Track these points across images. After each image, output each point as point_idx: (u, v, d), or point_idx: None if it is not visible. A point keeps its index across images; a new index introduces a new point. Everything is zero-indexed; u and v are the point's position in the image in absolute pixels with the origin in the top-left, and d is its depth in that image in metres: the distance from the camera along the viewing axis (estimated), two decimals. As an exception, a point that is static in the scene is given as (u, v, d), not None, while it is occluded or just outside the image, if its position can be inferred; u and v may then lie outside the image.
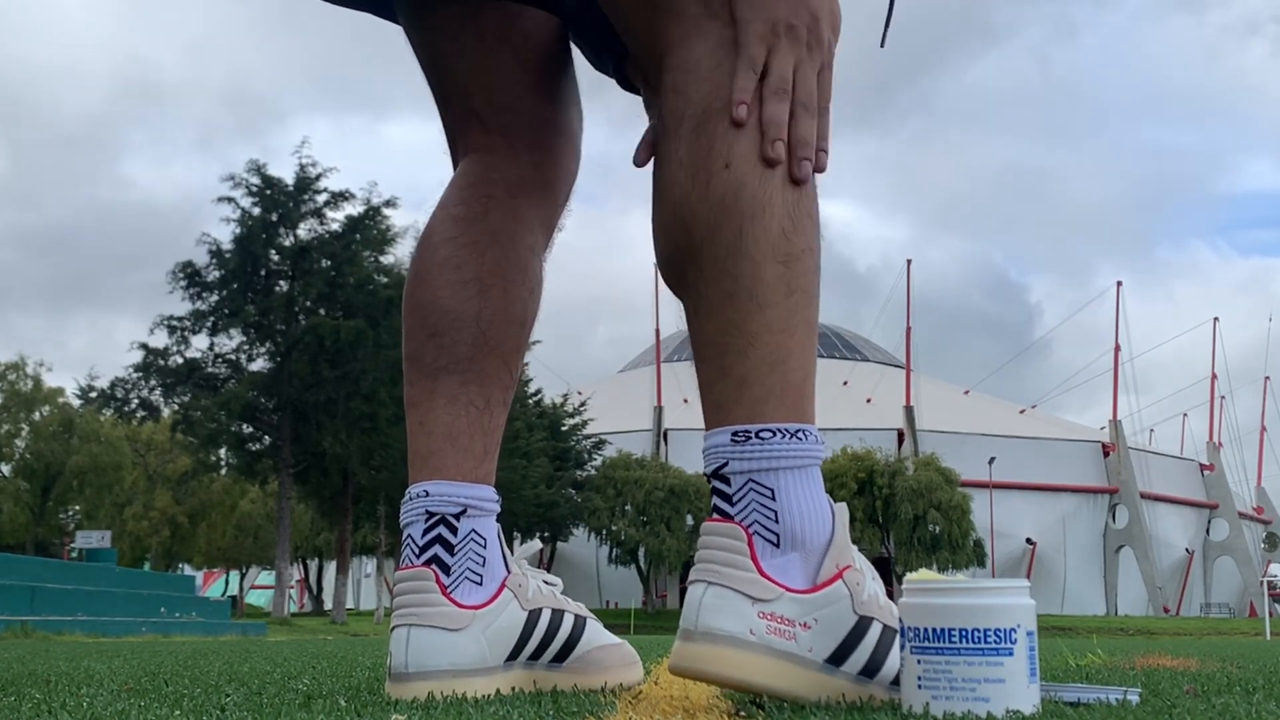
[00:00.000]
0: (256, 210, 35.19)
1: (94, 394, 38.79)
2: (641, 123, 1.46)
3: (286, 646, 6.77)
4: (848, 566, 1.24)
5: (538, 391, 44.78)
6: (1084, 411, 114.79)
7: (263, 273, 35.34)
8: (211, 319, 35.03)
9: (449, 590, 1.44)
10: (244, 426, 35.40)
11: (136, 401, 36.27)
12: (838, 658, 1.21)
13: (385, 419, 32.93)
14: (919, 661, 1.10)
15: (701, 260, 1.27)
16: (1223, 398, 74.86)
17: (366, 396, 33.06)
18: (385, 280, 34.67)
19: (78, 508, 48.12)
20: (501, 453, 1.57)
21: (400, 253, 36.06)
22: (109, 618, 14.97)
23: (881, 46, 1.42)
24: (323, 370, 33.28)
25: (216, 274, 34.93)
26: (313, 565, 58.03)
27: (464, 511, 1.47)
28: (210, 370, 35.64)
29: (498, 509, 1.52)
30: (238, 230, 34.90)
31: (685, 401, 56.73)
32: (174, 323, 34.93)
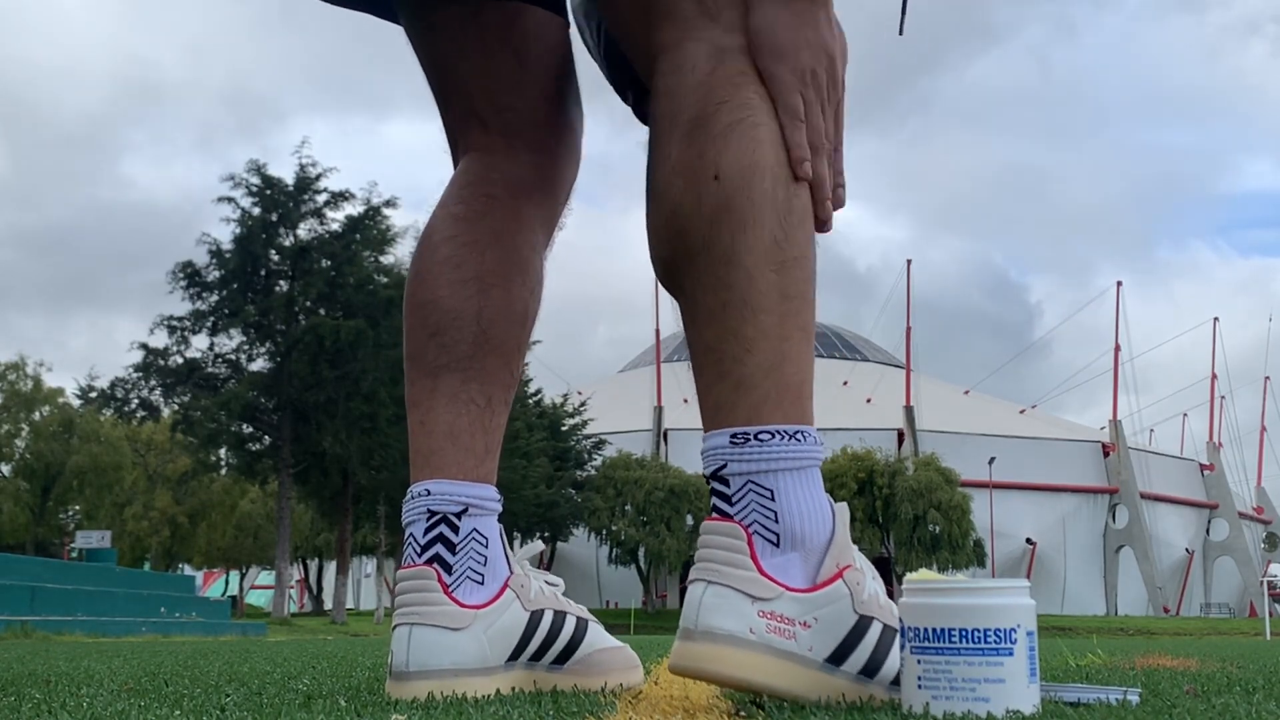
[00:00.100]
0: (256, 210, 35.20)
1: (94, 394, 38.82)
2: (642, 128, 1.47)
3: (286, 646, 6.77)
4: (848, 566, 1.24)
5: (538, 391, 44.79)
6: (1084, 411, 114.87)
7: (263, 273, 35.35)
8: (211, 319, 35.03)
9: (451, 589, 1.44)
10: (244, 426, 35.41)
11: (136, 401, 36.29)
12: (838, 657, 1.21)
13: (385, 419, 32.93)
14: (919, 661, 1.10)
15: (696, 268, 1.28)
16: (1223, 398, 74.96)
17: (366, 396, 33.06)
18: (385, 280, 34.68)
19: (78, 508, 48.12)
20: (502, 453, 1.57)
21: (400, 253, 36.13)
22: (109, 618, 14.97)
23: (900, 34, 1.43)
24: (323, 370, 33.28)
25: (216, 274, 34.94)
26: (313, 565, 58.03)
27: (465, 510, 1.47)
28: (210, 370, 35.66)
29: (499, 508, 1.51)
30: (238, 230, 34.92)
31: (685, 401, 56.71)
32: (174, 323, 34.95)
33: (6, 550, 40.75)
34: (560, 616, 1.53)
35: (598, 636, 1.57)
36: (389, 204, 36.21)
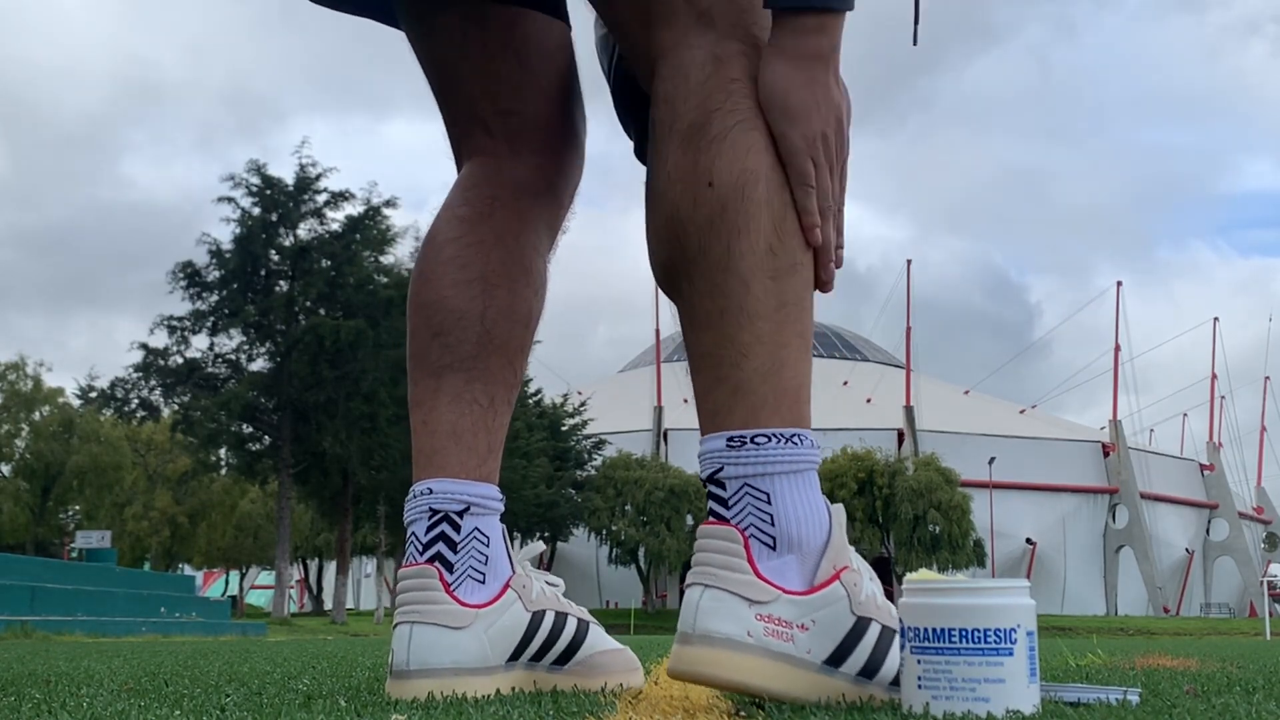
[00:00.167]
0: (256, 210, 35.20)
1: (94, 394, 38.83)
2: None
3: (286, 646, 6.77)
4: (845, 568, 1.24)
5: (538, 391, 44.80)
6: (1084, 411, 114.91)
7: (263, 273, 35.35)
8: (211, 319, 35.03)
9: (452, 588, 1.44)
10: (244, 426, 35.42)
11: (136, 401, 36.30)
12: (836, 659, 1.21)
13: (385, 419, 32.94)
14: (919, 661, 1.10)
15: (693, 273, 1.28)
16: (1223, 398, 74.97)
17: (366, 396, 33.06)
18: (385, 280, 34.69)
19: (78, 508, 48.12)
20: (502, 453, 1.57)
21: (400, 253, 36.14)
22: (109, 618, 14.97)
23: (914, 44, 1.43)
24: (323, 370, 33.28)
25: (216, 274, 34.94)
26: (313, 565, 58.04)
27: (467, 509, 1.47)
28: (210, 370, 35.66)
29: (501, 508, 1.52)
30: (238, 230, 34.92)
31: (685, 401, 56.66)
32: (174, 323, 34.95)
33: (6, 550, 40.75)
34: (561, 618, 1.53)
35: (598, 638, 1.57)
36: (389, 204, 36.23)
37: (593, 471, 45.96)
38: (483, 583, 1.46)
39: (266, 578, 59.43)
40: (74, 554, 30.54)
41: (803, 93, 1.28)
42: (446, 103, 1.61)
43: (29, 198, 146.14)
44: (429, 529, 1.46)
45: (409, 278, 1.60)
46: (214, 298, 35.06)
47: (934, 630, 1.09)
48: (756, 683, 1.20)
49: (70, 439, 46.50)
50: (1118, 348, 66.28)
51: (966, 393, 72.20)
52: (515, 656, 1.48)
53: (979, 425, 61.25)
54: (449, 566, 1.45)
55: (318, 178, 35.76)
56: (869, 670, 1.22)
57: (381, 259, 35.80)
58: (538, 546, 1.65)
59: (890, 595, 1.25)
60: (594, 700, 1.32)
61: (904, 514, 44.54)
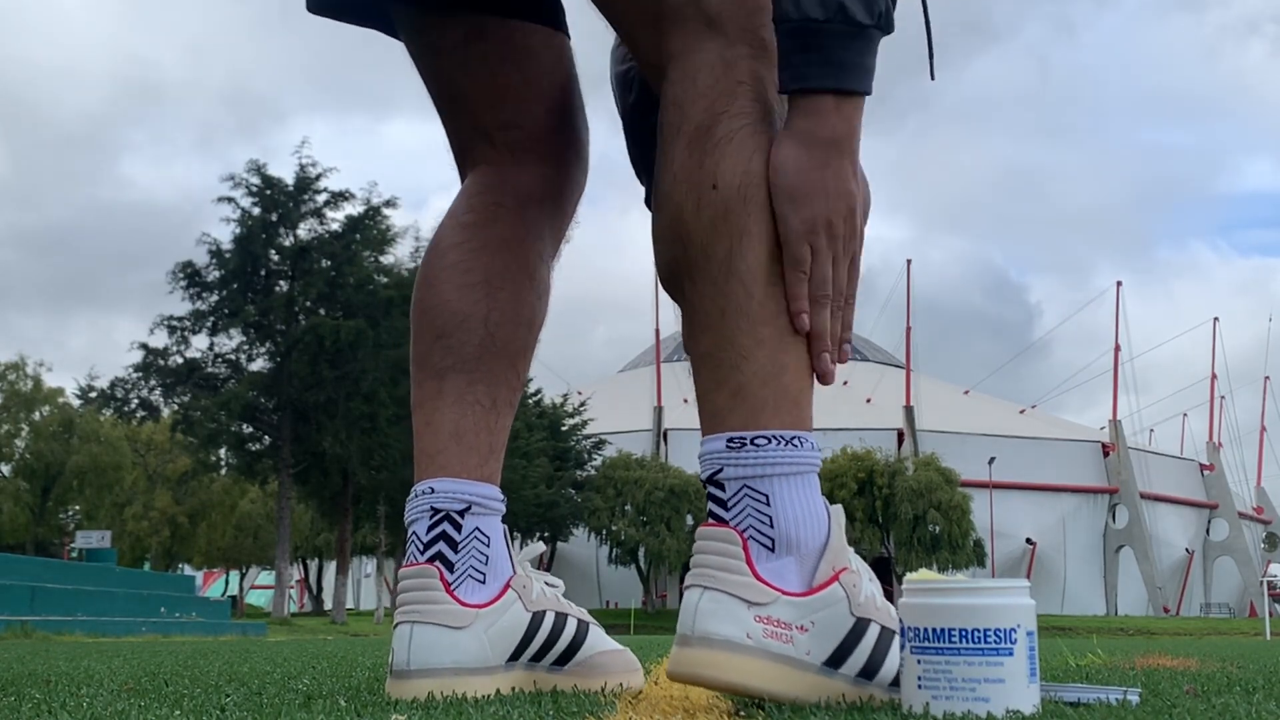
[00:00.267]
0: (256, 210, 35.18)
1: (94, 394, 38.81)
2: None
3: (286, 646, 6.77)
4: (844, 569, 1.24)
5: (538, 391, 44.79)
6: (1084, 411, 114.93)
7: (263, 273, 35.34)
8: (211, 319, 35.02)
9: (453, 588, 1.44)
10: (244, 426, 35.40)
11: (136, 401, 36.28)
12: (836, 660, 1.22)
13: (385, 419, 32.93)
14: (919, 661, 1.10)
15: (696, 276, 1.28)
16: (1223, 398, 74.97)
17: (366, 396, 33.06)
18: (385, 280, 34.67)
19: (78, 508, 48.12)
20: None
21: (400, 253, 36.13)
22: (109, 618, 14.97)
23: (932, 79, 1.42)
24: (323, 370, 33.28)
25: (216, 274, 34.92)
26: (313, 565, 58.04)
27: (468, 508, 1.47)
28: (210, 370, 35.65)
29: (503, 509, 1.52)
30: (238, 230, 34.90)
31: (685, 401, 56.68)
32: (174, 323, 34.93)
33: (6, 550, 40.75)
34: (561, 618, 1.53)
35: (598, 639, 1.57)
36: (389, 204, 36.20)
37: (593, 471, 45.96)
38: (483, 583, 1.47)
39: (266, 578, 59.43)
40: (74, 554, 30.54)
41: (811, 175, 1.25)
42: (449, 114, 1.62)
43: (29, 198, 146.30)
44: (430, 528, 1.47)
45: (409, 278, 1.61)
46: (214, 298, 35.04)
47: (934, 630, 1.09)
48: (756, 684, 1.20)
49: (70, 439, 46.49)
50: (1118, 348, 66.34)
51: (966, 393, 72.20)
52: (515, 657, 1.48)
53: (979, 425, 61.25)
54: (450, 566, 1.45)
55: (318, 178, 35.75)
56: (868, 671, 1.22)
57: (381, 259, 35.79)
58: (538, 547, 1.65)
59: (890, 595, 1.25)
60: (594, 700, 1.32)
61: (904, 514, 44.54)
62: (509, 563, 1.51)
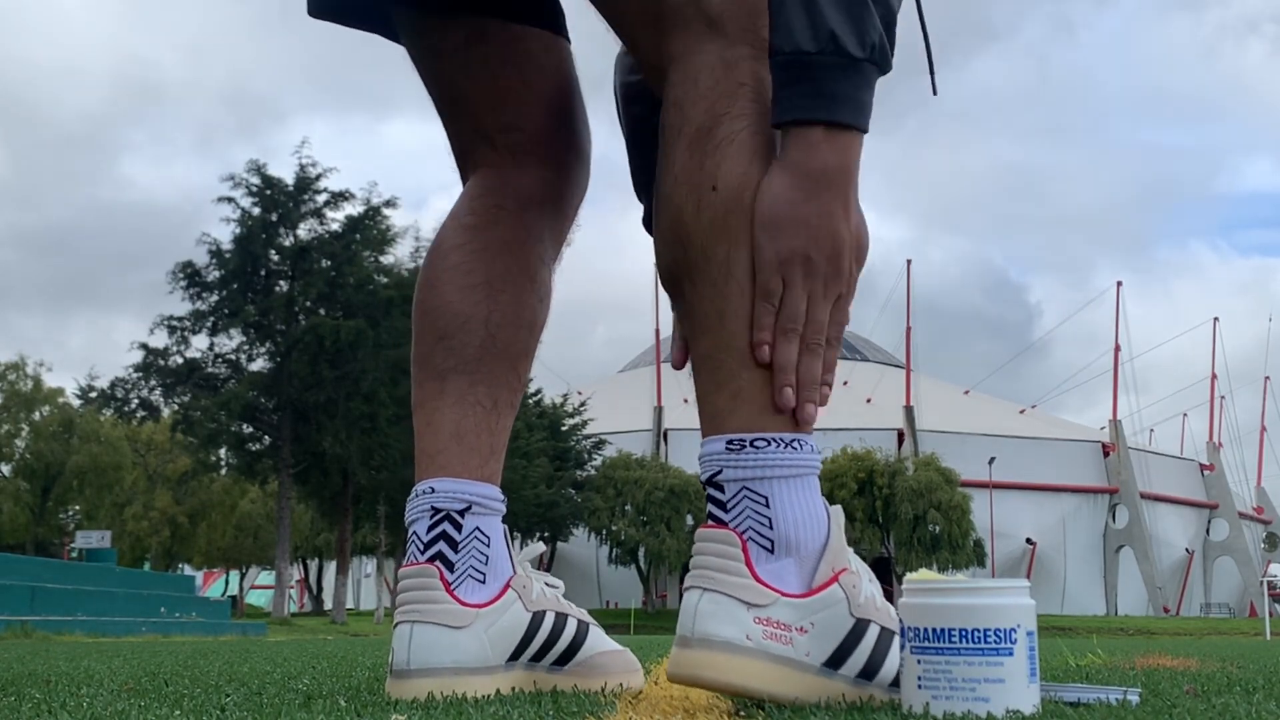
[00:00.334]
0: (256, 210, 35.18)
1: (94, 394, 38.80)
2: None
3: (286, 646, 6.77)
4: (843, 570, 1.24)
5: (538, 391, 44.79)
6: (1084, 411, 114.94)
7: (263, 273, 35.34)
8: (211, 319, 35.02)
9: (453, 587, 1.45)
10: (244, 426, 35.40)
11: (136, 401, 36.28)
12: (836, 661, 1.22)
13: (385, 419, 32.93)
14: (919, 661, 1.10)
15: (696, 277, 1.28)
16: (1223, 398, 74.98)
17: (366, 396, 33.06)
18: (385, 280, 34.67)
19: (78, 508, 48.12)
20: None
21: (400, 253, 36.12)
22: (109, 618, 14.97)
23: (934, 94, 1.42)
24: (323, 370, 33.28)
25: (216, 274, 34.92)
26: (313, 565, 58.04)
27: (469, 508, 1.48)
28: (210, 370, 35.64)
29: (503, 509, 1.52)
30: (238, 230, 34.90)
31: (685, 401, 56.68)
32: (174, 323, 34.93)
33: (6, 550, 40.75)
34: (561, 619, 1.53)
35: (598, 640, 1.58)
36: (389, 204, 36.20)
37: (593, 471, 45.96)
38: (483, 582, 1.47)
39: (266, 578, 59.43)
40: (74, 554, 30.55)
41: (794, 208, 1.23)
42: (450, 118, 1.62)
43: (29, 198, 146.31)
44: (430, 528, 1.47)
45: (409, 278, 1.62)
46: (214, 298, 35.04)
47: (934, 630, 1.09)
48: (756, 686, 1.21)
49: (70, 439, 46.49)
50: (1118, 348, 66.34)
51: (966, 393, 72.21)
52: (515, 656, 1.48)
53: (979, 425, 61.25)
54: (450, 566, 1.46)
55: (318, 178, 35.75)
56: (868, 672, 1.22)
57: (381, 259, 35.78)
58: (538, 547, 1.66)
59: (890, 595, 1.25)
60: (594, 700, 1.32)
61: (904, 514, 44.54)
62: (509, 563, 1.51)
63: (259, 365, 35.65)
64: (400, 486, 31.88)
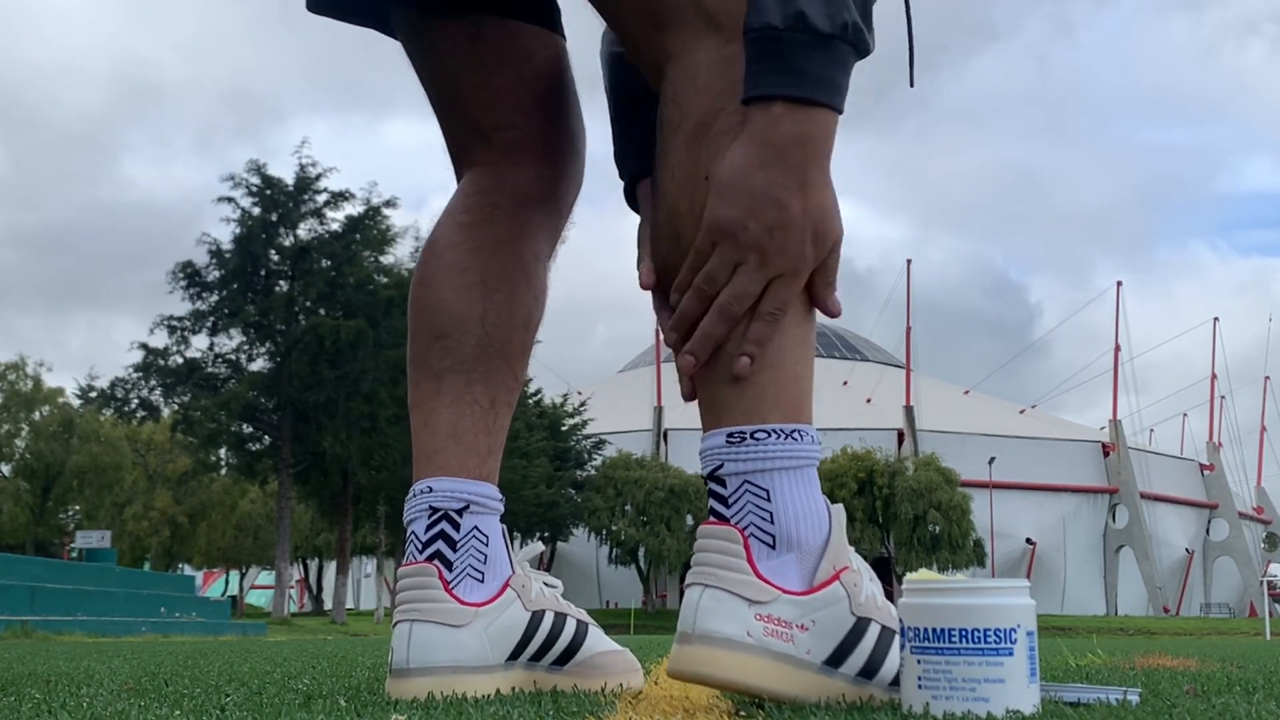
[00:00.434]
0: (256, 210, 35.19)
1: (94, 394, 38.78)
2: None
3: (286, 646, 6.77)
4: (845, 568, 1.24)
5: (538, 391, 44.80)
6: (1084, 411, 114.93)
7: (263, 273, 35.34)
8: (211, 319, 35.02)
9: (451, 586, 1.45)
10: (244, 426, 35.40)
11: (136, 401, 36.27)
12: (836, 659, 1.22)
13: (385, 419, 32.94)
14: (919, 661, 1.10)
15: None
16: (1223, 398, 74.97)
17: (366, 396, 33.06)
18: (385, 280, 34.67)
19: (78, 508, 48.12)
20: (502, 453, 1.58)
21: (400, 253, 36.13)
22: (109, 618, 14.97)
23: (911, 86, 1.41)
24: (323, 370, 33.28)
25: (216, 274, 34.93)
26: (313, 565, 58.04)
27: (467, 507, 1.48)
28: (210, 370, 35.64)
29: (501, 508, 1.52)
30: (238, 230, 34.90)
31: (685, 401, 56.64)
32: (174, 323, 34.93)
33: (6, 550, 40.75)
34: (561, 618, 1.53)
35: (598, 640, 1.58)
36: (389, 204, 36.21)
37: (593, 471, 45.96)
38: (482, 581, 1.47)
39: (266, 578, 59.43)
40: (74, 554, 30.55)
41: (744, 177, 1.21)
42: (445, 115, 1.62)
43: (29, 198, 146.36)
44: (428, 527, 1.47)
45: (409, 278, 1.61)
46: (214, 298, 35.04)
47: (934, 630, 1.09)
48: (756, 683, 1.20)
49: (70, 439, 46.49)
50: (1118, 348, 66.34)
51: (966, 393, 72.20)
52: (515, 656, 1.48)
53: (979, 425, 61.25)
54: (448, 565, 1.46)
55: (318, 178, 35.75)
56: (869, 671, 1.22)
57: (381, 259, 35.79)
58: (537, 547, 1.66)
59: (890, 595, 1.25)
60: (594, 700, 1.32)
61: (904, 514, 44.54)
62: (508, 562, 1.51)
63: (259, 365, 35.67)
64: (400, 486, 31.87)
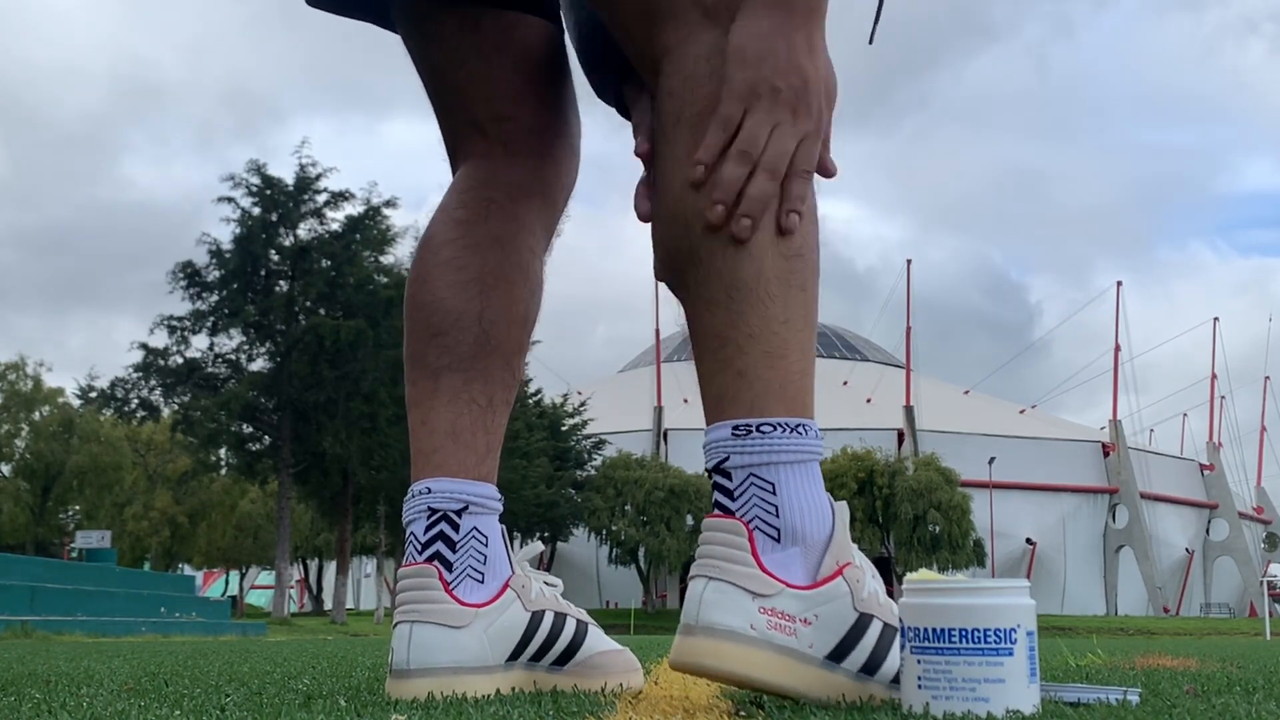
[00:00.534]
0: (256, 210, 35.19)
1: (94, 394, 38.77)
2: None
3: (286, 646, 6.77)
4: (848, 564, 1.24)
5: (538, 391, 44.79)
6: (1084, 411, 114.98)
7: (263, 273, 35.34)
8: (211, 319, 35.02)
9: (451, 587, 1.45)
10: (244, 426, 35.40)
11: (136, 401, 36.26)
12: (838, 654, 1.22)
13: (385, 419, 32.93)
14: (919, 661, 1.10)
15: (701, 255, 1.27)
16: (1223, 398, 74.98)
17: (366, 396, 33.06)
18: (385, 280, 34.67)
19: (78, 508, 48.12)
20: (502, 453, 1.58)
21: (400, 253, 36.12)
22: (109, 618, 14.97)
23: (870, 43, 1.43)
24: (323, 370, 33.28)
25: (216, 274, 34.93)
26: (313, 565, 58.03)
27: (466, 508, 1.48)
28: (210, 370, 35.64)
29: (500, 508, 1.52)
30: (238, 230, 34.90)
31: (685, 401, 56.75)
32: (174, 323, 34.93)
33: (6, 550, 40.75)
34: (561, 618, 1.53)
35: (598, 640, 1.57)
36: (389, 204, 36.21)
37: (593, 471, 45.95)
38: (482, 582, 1.47)
39: (266, 578, 59.42)
40: (74, 554, 30.55)
41: (759, 42, 1.25)
42: (442, 107, 1.62)
43: (29, 198, 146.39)
44: (428, 528, 1.47)
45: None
46: (214, 298, 35.04)
47: (934, 630, 1.09)
48: (759, 676, 1.20)
49: (70, 439, 46.48)
50: (1118, 348, 66.33)
51: (966, 393, 72.20)
52: (515, 656, 1.48)
53: (979, 425, 61.24)
54: (448, 566, 1.45)
55: (318, 178, 35.75)
56: (870, 667, 1.22)
57: (381, 259, 35.79)
58: (536, 547, 1.66)
59: (890, 595, 1.25)
60: (594, 700, 1.32)
61: (904, 514, 44.55)
62: (507, 562, 1.51)
63: (259, 365, 35.66)
64: (400, 486, 31.86)
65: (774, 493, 1.24)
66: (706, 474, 1.30)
